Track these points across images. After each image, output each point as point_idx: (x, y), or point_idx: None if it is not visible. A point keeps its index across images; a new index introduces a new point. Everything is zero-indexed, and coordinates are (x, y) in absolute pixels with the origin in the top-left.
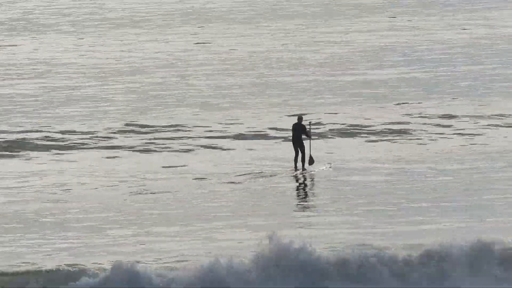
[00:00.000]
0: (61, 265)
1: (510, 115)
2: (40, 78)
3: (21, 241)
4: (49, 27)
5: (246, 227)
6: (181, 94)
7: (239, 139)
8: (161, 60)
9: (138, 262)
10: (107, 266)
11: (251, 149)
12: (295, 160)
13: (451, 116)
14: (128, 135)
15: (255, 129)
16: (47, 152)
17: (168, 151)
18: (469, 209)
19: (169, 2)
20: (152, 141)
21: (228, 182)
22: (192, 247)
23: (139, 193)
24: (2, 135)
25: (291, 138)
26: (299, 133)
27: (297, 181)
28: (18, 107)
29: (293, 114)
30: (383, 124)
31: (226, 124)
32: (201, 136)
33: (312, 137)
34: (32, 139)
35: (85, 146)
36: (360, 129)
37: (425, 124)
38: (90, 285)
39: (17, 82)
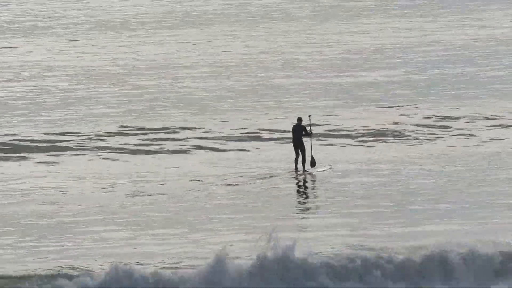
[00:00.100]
0: (57, 268)
1: (505, 116)
2: (32, 81)
3: (17, 244)
4: (43, 29)
5: (244, 229)
6: (175, 96)
7: (235, 141)
8: (155, 62)
9: (137, 263)
10: (104, 268)
11: (248, 151)
12: (296, 162)
13: (447, 118)
14: (123, 137)
15: (251, 131)
16: (43, 155)
17: (164, 153)
18: (467, 211)
19: (163, 5)
20: (147, 143)
21: (226, 184)
22: (188, 250)
23: (136, 195)
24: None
25: (291, 140)
26: (299, 135)
27: (297, 182)
28: (12, 109)
29: (288, 116)
30: (380, 125)
31: (222, 126)
32: (198, 137)
33: (313, 135)
34: (27, 141)
35: (80, 148)
36: (356, 131)
37: (421, 125)
38: (88, 287)
39: (10, 85)
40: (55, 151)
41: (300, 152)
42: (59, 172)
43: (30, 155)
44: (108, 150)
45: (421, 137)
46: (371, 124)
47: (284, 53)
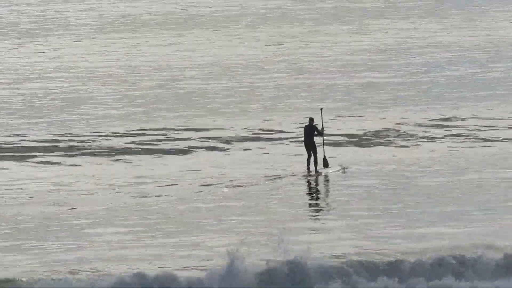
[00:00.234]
0: (64, 270)
1: (510, 117)
2: (35, 82)
3: (22, 246)
4: (47, 31)
5: (253, 231)
6: (178, 96)
7: (243, 141)
8: (157, 63)
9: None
10: (114, 270)
11: (258, 151)
12: (308, 162)
13: (451, 119)
14: (127, 138)
15: (258, 131)
16: (47, 156)
17: (170, 154)
18: (471, 213)
19: (165, 5)
20: (150, 143)
21: (233, 186)
22: (196, 252)
23: (143, 197)
24: (4, 139)
25: (300, 140)
26: (311, 135)
27: (308, 184)
28: (16, 110)
29: (295, 116)
30: (383, 127)
31: (229, 126)
32: (204, 138)
33: (324, 132)
34: (32, 142)
35: (85, 150)
36: (361, 133)
37: (425, 127)
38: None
39: (14, 86)
40: (59, 151)
41: (312, 153)
42: (63, 174)
43: (34, 156)
44: (111, 151)
45: (424, 139)
46: (375, 126)
47: (287, 55)
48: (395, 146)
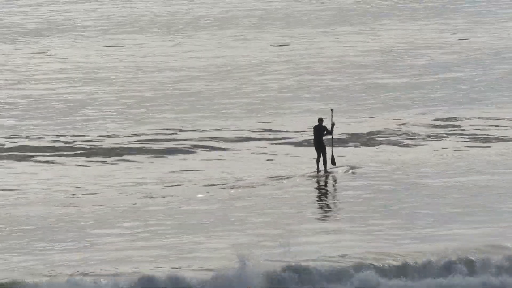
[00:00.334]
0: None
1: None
2: (39, 83)
3: (28, 247)
4: (56, 32)
5: (260, 232)
6: (181, 97)
7: (248, 141)
8: (161, 64)
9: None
10: (121, 272)
11: (264, 151)
12: (317, 162)
13: (455, 120)
14: (130, 138)
15: (264, 132)
16: (51, 156)
17: (174, 154)
18: (477, 214)
19: (170, 6)
20: (154, 144)
21: (243, 186)
22: (202, 253)
23: (148, 197)
24: (15, 139)
25: (309, 140)
26: (320, 136)
27: (317, 185)
28: (20, 111)
29: (302, 116)
30: (389, 128)
31: (235, 126)
32: (210, 139)
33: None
34: (37, 142)
35: (90, 151)
36: (366, 134)
37: (430, 128)
38: None
39: (18, 87)
40: (64, 152)
41: (321, 153)
42: (68, 174)
43: (39, 156)
44: (116, 152)
45: (428, 140)
46: (381, 127)
47: (292, 56)
48: (400, 146)
